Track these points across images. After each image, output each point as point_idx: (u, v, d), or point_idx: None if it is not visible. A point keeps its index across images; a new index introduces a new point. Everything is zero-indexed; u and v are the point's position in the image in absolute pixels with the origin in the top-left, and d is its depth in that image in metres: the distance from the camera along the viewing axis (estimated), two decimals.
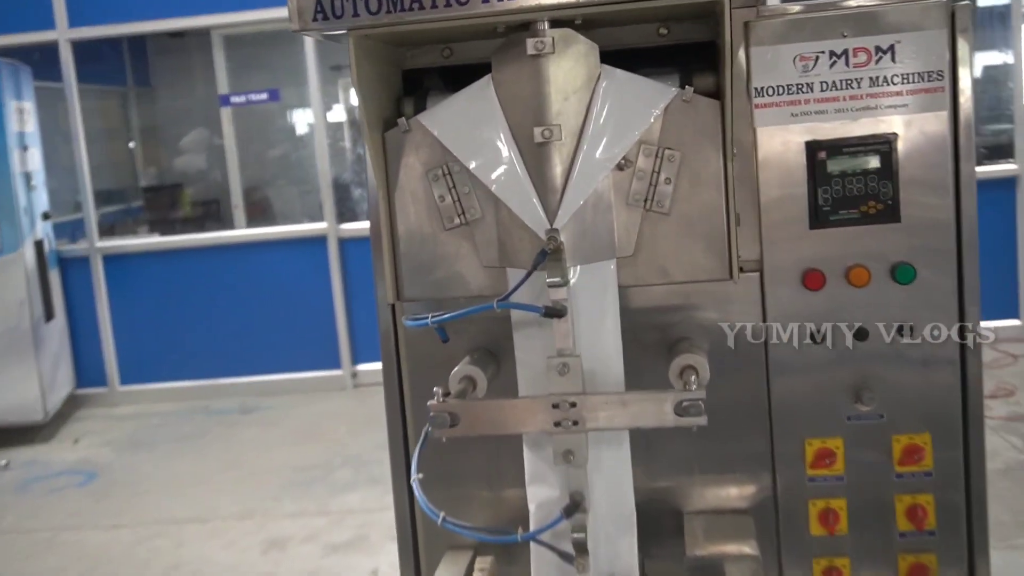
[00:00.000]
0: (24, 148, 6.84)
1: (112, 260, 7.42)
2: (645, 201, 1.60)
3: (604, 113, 1.58)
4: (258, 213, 8.23)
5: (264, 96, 7.61)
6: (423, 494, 1.57)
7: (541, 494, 1.65)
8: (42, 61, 7.47)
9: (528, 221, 1.59)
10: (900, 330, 1.74)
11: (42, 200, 7.17)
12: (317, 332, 7.21)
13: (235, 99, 7.63)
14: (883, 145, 1.72)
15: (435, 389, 1.54)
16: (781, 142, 1.74)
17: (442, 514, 1.57)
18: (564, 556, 1.60)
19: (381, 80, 1.69)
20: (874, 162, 1.72)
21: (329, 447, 6.03)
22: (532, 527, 1.66)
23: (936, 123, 1.71)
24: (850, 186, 1.73)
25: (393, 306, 1.85)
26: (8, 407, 6.69)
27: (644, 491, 1.81)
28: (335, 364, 7.16)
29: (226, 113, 7.85)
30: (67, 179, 7.77)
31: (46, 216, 7.19)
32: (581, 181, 1.58)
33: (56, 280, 7.31)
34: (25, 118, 6.95)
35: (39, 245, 6.98)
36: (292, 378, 7.11)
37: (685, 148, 1.59)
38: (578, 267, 1.60)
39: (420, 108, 1.71)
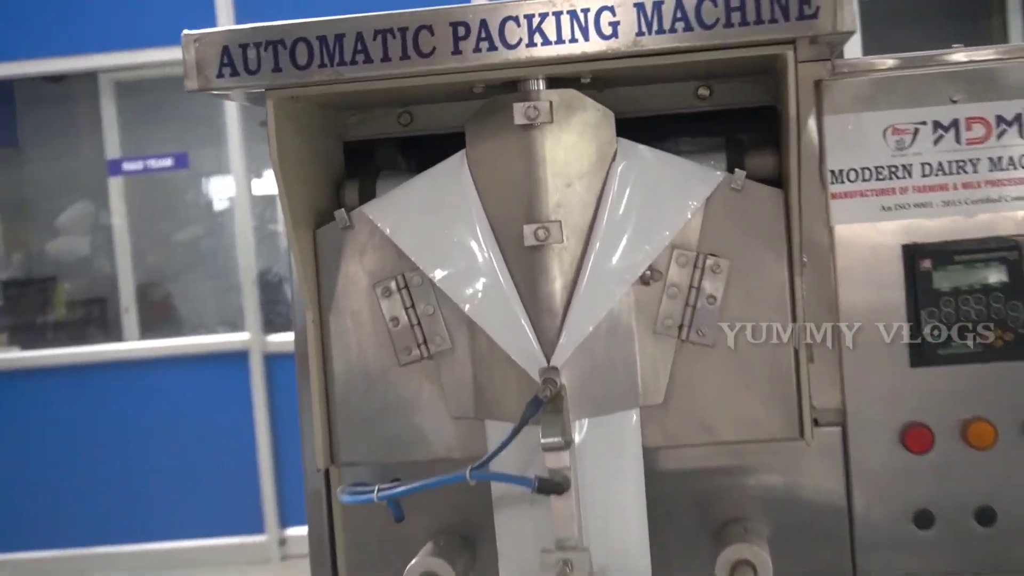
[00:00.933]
0: None
1: None
2: (680, 328, 1.54)
3: (622, 206, 1.53)
4: (158, 319, 8.01)
5: (168, 162, 7.36)
6: None
7: None
8: None
9: (516, 356, 1.52)
10: None
11: None
12: (234, 484, 6.99)
13: (128, 165, 7.42)
14: (1011, 251, 1.66)
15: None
16: (869, 246, 1.69)
17: None
18: None
19: (314, 156, 1.65)
20: (999, 274, 1.66)
21: None
22: None
23: None
24: (966, 308, 1.66)
25: (327, 470, 1.78)
26: None
27: None
28: (258, 528, 6.92)
29: (116, 184, 7.70)
30: None
31: None
32: (590, 300, 1.52)
33: None
34: None
35: None
36: (201, 545, 6.83)
37: (735, 254, 1.54)
38: (586, 421, 1.54)
39: (368, 196, 1.67)
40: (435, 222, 1.57)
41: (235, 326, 7.10)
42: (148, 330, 7.62)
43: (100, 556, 6.90)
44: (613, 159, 1.55)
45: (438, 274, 1.55)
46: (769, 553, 1.63)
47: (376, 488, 1.51)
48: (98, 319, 8.09)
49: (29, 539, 7.04)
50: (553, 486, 1.46)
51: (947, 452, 1.68)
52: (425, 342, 1.58)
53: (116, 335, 7.54)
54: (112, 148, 7.45)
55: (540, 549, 1.48)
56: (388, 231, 1.57)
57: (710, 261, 1.53)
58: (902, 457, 1.69)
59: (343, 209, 1.60)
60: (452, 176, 1.57)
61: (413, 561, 1.60)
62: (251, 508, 6.87)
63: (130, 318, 7.50)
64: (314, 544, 1.84)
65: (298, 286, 1.63)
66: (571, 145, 1.54)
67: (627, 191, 1.54)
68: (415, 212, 1.59)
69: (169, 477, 6.82)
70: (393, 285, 1.58)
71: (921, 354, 1.67)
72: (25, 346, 7.48)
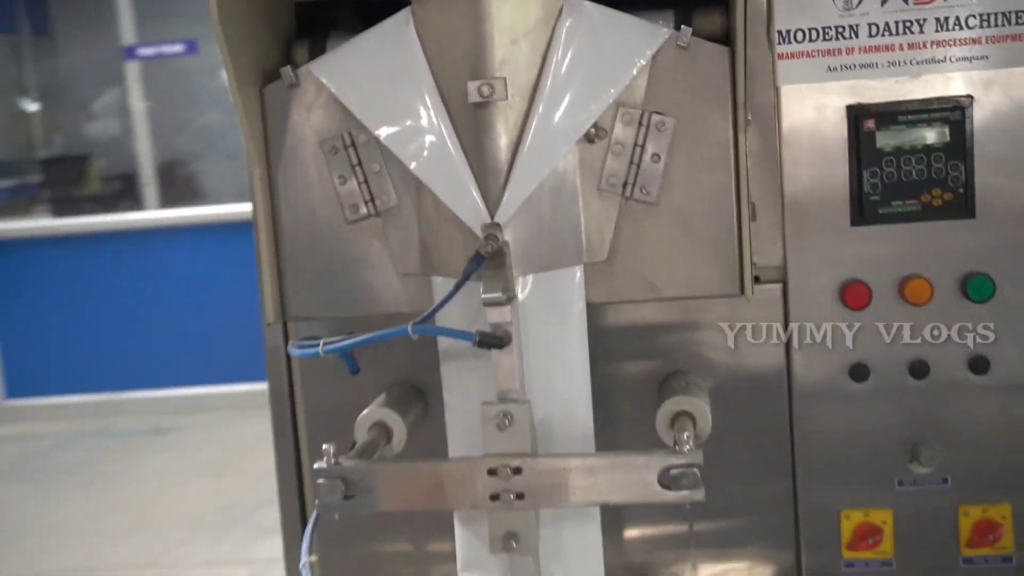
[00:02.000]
0: None
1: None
2: (624, 186, 1.37)
3: (567, 62, 1.34)
4: (180, 193, 7.97)
5: (179, 48, 7.31)
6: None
7: None
8: None
9: (461, 213, 1.35)
10: (973, 365, 1.51)
11: None
12: (245, 337, 6.90)
13: (142, 51, 7.39)
14: (953, 112, 1.47)
15: (324, 447, 1.30)
16: (814, 106, 1.50)
17: None
18: None
19: (260, 16, 1.43)
20: (941, 135, 1.48)
21: (254, 480, 5.76)
22: None
23: None
24: (908, 168, 1.49)
25: (284, 324, 1.61)
26: None
27: (638, 568, 1.65)
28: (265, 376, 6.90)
29: (135, 71, 7.60)
30: None
31: None
32: (534, 157, 1.34)
33: None
34: None
35: None
36: (213, 392, 6.82)
37: (680, 113, 1.36)
38: (530, 277, 1.38)
39: (318, 55, 1.46)
40: (381, 80, 1.37)
41: (245, 197, 6.98)
42: (171, 203, 7.52)
43: (122, 402, 6.93)
44: (559, 16, 1.34)
45: (384, 132, 1.35)
46: (709, 405, 1.49)
47: (322, 342, 1.35)
48: (127, 192, 7.97)
49: (60, 383, 7.12)
50: (494, 340, 1.29)
51: (884, 308, 1.51)
52: (372, 200, 1.40)
53: (140, 206, 7.45)
54: (128, 36, 7.25)
55: (482, 402, 1.33)
56: (334, 89, 1.37)
57: (655, 119, 1.34)
58: (841, 313, 1.52)
59: (288, 67, 1.39)
60: (398, 33, 1.36)
61: (365, 411, 1.45)
62: (260, 359, 6.84)
63: (150, 191, 7.40)
64: (274, 397, 1.70)
65: (247, 144, 1.43)
66: (516, 2, 1.33)
67: (572, 48, 1.34)
68: (361, 69, 1.38)
69: (186, 331, 6.81)
70: (339, 143, 1.38)
71: (862, 213, 1.50)
72: (64, 214, 7.43)
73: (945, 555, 1.55)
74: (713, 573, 1.62)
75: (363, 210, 1.40)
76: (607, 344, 1.56)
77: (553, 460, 1.33)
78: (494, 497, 1.30)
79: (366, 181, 1.39)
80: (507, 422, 1.30)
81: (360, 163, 1.38)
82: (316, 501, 1.35)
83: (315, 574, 1.39)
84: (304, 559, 1.40)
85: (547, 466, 1.31)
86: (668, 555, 1.64)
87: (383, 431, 1.45)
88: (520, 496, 1.29)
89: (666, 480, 1.25)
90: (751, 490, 1.59)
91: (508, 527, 1.33)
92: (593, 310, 1.44)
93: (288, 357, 1.65)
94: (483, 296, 1.26)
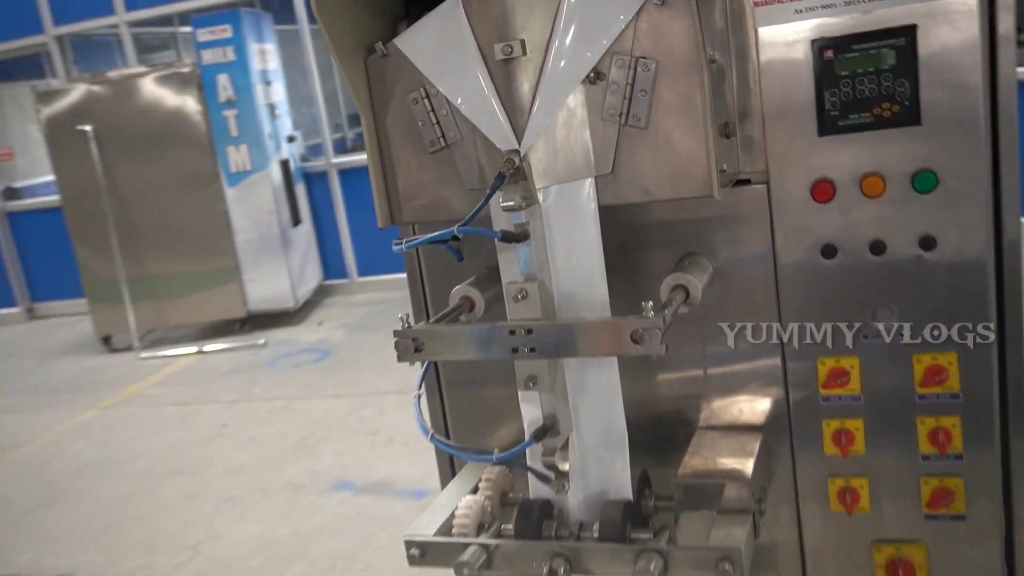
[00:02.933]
0: (267, 83, 8.01)
1: (346, 174, 8.67)
2: (621, 116, 1.48)
3: (570, 23, 1.48)
4: None
5: None
6: (419, 409, 1.60)
7: (530, 414, 1.62)
8: (281, 7, 8.87)
9: (497, 141, 1.52)
10: (922, 242, 1.57)
11: (286, 126, 8.37)
12: None
13: None
14: (899, 39, 1.50)
15: (400, 315, 1.57)
16: (785, 43, 1.56)
17: (431, 432, 1.63)
18: (540, 477, 1.63)
19: (362, 5, 1.63)
20: (889, 59, 1.52)
21: None
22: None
23: (965, 7, 1.49)
24: (862, 87, 1.54)
25: (413, 227, 1.84)
26: (265, 297, 8.00)
27: (661, 403, 1.81)
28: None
29: None
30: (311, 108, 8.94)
31: (291, 139, 8.39)
32: (548, 97, 1.49)
33: (303, 192, 8.59)
34: (267, 57, 8.10)
35: (284, 164, 8.16)
36: None
37: (661, 56, 1.45)
38: (553, 188, 1.53)
39: None
40: (440, 46, 1.55)
41: None
42: None
43: None
44: None
45: (444, 85, 1.55)
46: (706, 279, 1.65)
47: (399, 241, 1.58)
48: None
49: (395, 265, 8.76)
50: (513, 236, 1.49)
51: (847, 201, 1.59)
52: (443, 136, 1.59)
53: None
54: None
55: (506, 283, 1.52)
56: (410, 56, 1.57)
57: (641, 63, 1.45)
58: (812, 206, 1.61)
59: (380, 42, 1.60)
60: (451, 10, 1.54)
61: (456, 287, 1.69)
62: None
63: None
64: (411, 280, 1.98)
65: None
66: None
67: (574, 12, 1.48)
68: (428, 40, 1.57)
69: None
70: (418, 95, 1.58)
71: (825, 125, 1.57)
72: None
73: (903, 392, 1.63)
74: (722, 405, 1.75)
75: (438, 143, 1.60)
76: (640, 236, 1.73)
77: (557, 323, 1.49)
78: (514, 350, 1.47)
79: (438, 122, 1.58)
80: (522, 296, 1.48)
81: (433, 109, 1.57)
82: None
83: (421, 403, 1.63)
84: (416, 392, 1.69)
85: (552, 327, 1.46)
86: (692, 389, 1.79)
87: (468, 302, 1.68)
88: (533, 350, 1.45)
89: (636, 337, 1.40)
90: (749, 343, 1.71)
91: (528, 372, 1.52)
92: (629, 208, 1.60)
93: (418, 253, 1.93)
94: (502, 204, 1.47)
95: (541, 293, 1.50)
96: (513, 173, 1.48)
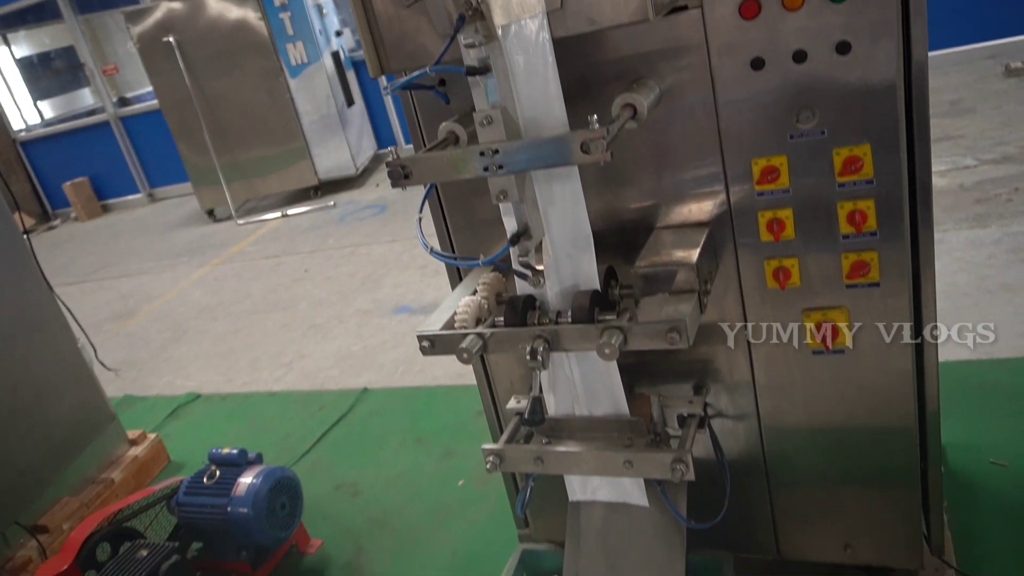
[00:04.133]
0: None
1: None
2: None
3: None
4: None
5: None
6: (420, 229, 1.56)
7: (510, 225, 1.55)
8: None
9: None
10: (838, 47, 1.42)
11: (333, 23, 8.03)
12: None
13: None
14: None
15: (389, 148, 1.49)
16: None
17: (431, 246, 1.59)
18: (520, 275, 1.58)
19: None
20: None
21: None
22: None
23: None
24: None
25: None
26: (331, 167, 7.92)
27: (625, 212, 1.71)
28: None
29: None
30: None
31: (338, 33, 8.06)
32: None
33: (353, 77, 8.34)
34: None
35: (335, 55, 7.91)
36: None
37: None
38: (512, 25, 1.39)
39: None
40: None
41: None
42: None
43: None
44: None
45: None
46: (652, 99, 1.53)
47: (390, 86, 1.48)
48: None
49: None
50: (474, 70, 1.38)
51: (771, 16, 1.44)
52: None
53: None
54: None
55: (474, 113, 1.40)
56: None
57: None
58: (741, 24, 1.46)
59: None
60: None
61: (444, 123, 1.60)
62: None
63: None
64: (409, 122, 1.85)
65: None
66: None
67: None
68: None
69: None
70: None
71: None
72: None
73: (824, 183, 1.52)
74: (675, 208, 1.66)
75: None
76: (596, 71, 1.59)
77: (517, 142, 1.38)
78: (485, 169, 1.39)
79: None
80: (487, 121, 1.38)
81: None
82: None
83: (421, 226, 1.58)
84: (418, 215, 1.63)
85: (513, 146, 1.37)
86: (649, 197, 1.68)
87: (453, 135, 1.61)
88: (500, 167, 1.38)
89: (585, 148, 1.30)
90: (694, 156, 1.60)
91: (500, 187, 1.44)
92: (586, 48, 1.50)
93: (412, 98, 1.80)
94: (463, 43, 1.36)
95: (504, 118, 1.40)
96: (472, 14, 1.36)
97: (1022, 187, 4.05)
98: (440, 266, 5.44)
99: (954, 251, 3.60)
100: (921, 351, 1.66)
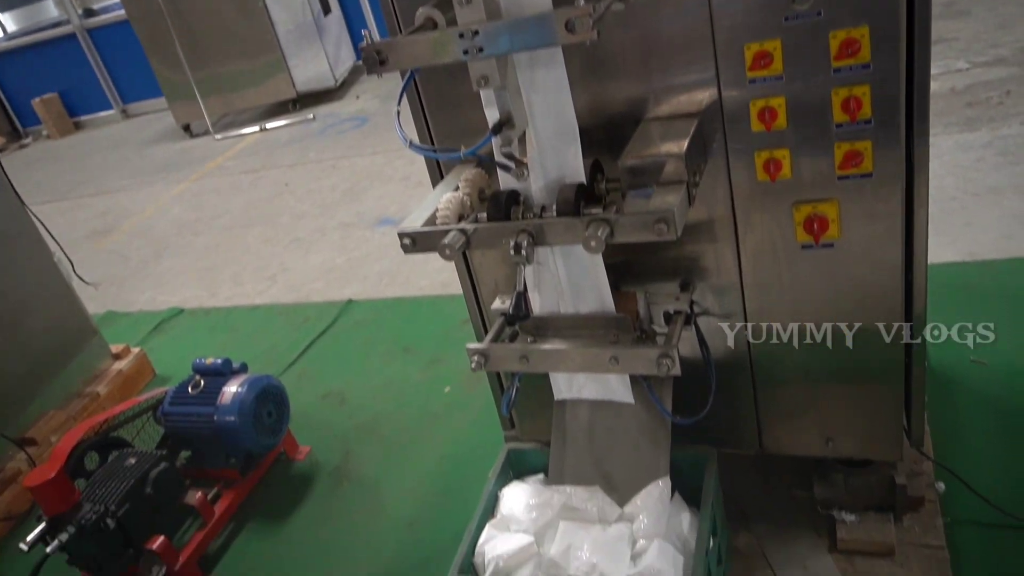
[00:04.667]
0: None
1: None
2: None
3: None
4: None
5: None
6: (399, 122, 1.48)
7: (492, 115, 1.48)
8: None
9: None
10: None
11: None
12: None
13: None
14: None
15: (363, 32, 1.40)
16: None
17: (409, 140, 1.52)
18: (503, 167, 1.52)
19: None
20: None
21: None
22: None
23: None
24: None
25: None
26: (309, 79, 7.67)
27: (612, 104, 1.63)
28: None
29: None
30: None
31: None
32: None
33: None
34: None
35: None
36: None
37: None
38: None
39: None
40: None
41: None
42: None
43: None
44: None
45: None
46: None
47: None
48: None
49: None
50: None
51: None
52: None
53: None
54: None
55: None
56: None
57: None
58: None
59: None
60: None
61: (421, 9, 1.46)
62: None
63: None
64: (385, 12, 1.75)
65: None
66: None
67: None
68: None
69: None
70: None
71: None
72: None
73: (819, 69, 1.45)
74: (664, 99, 1.58)
75: None
76: None
77: (497, 23, 1.29)
78: (465, 52, 1.31)
79: None
80: (465, 1, 1.28)
81: None
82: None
83: (401, 119, 1.49)
84: (396, 107, 1.55)
85: (493, 26, 1.28)
86: (639, 87, 1.59)
87: (431, 21, 1.51)
88: (480, 50, 1.30)
89: (570, 27, 1.23)
90: (683, 41, 1.52)
91: (480, 72, 1.36)
92: None
93: None
94: None
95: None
96: None
97: (1014, 90, 3.98)
98: (424, 177, 5.37)
99: (943, 155, 3.55)
100: (911, 244, 1.63)
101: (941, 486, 1.98)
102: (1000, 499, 1.90)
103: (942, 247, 2.89)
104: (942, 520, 1.87)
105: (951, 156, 3.52)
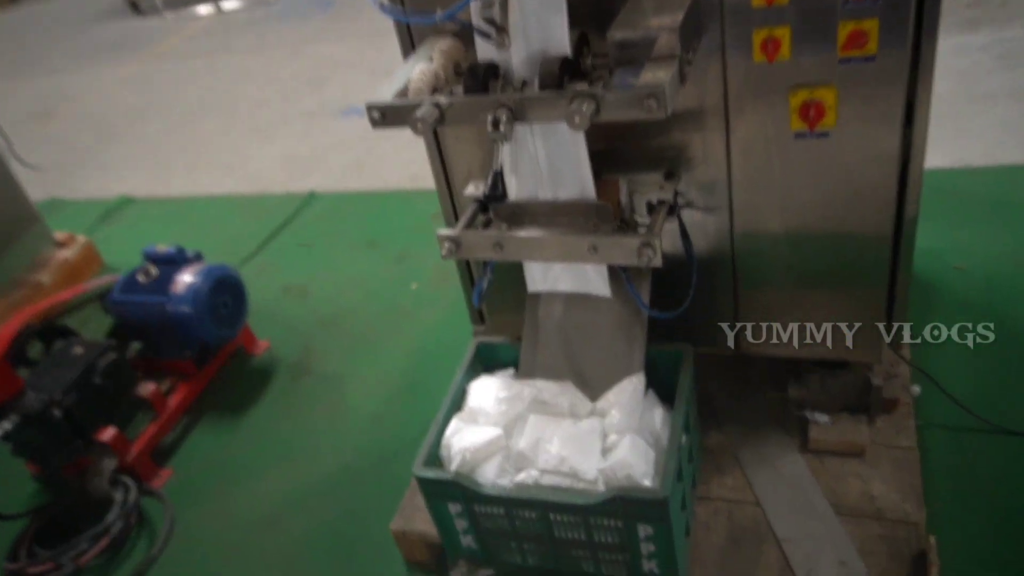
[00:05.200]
0: None
1: None
2: None
3: None
4: None
5: None
6: None
7: None
8: None
9: None
10: None
11: None
12: None
13: None
14: None
15: None
16: None
17: (381, 0, 1.42)
18: (482, 33, 1.43)
19: None
20: None
21: None
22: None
23: None
24: None
25: None
26: None
27: None
28: None
29: None
30: None
31: None
32: None
33: None
34: None
35: None
36: None
37: None
38: None
39: None
40: None
41: None
42: None
43: None
44: None
45: None
46: None
47: None
48: None
49: None
50: None
51: None
52: None
53: None
54: None
55: None
56: None
57: None
58: None
59: None
60: None
61: None
62: None
63: None
64: None
65: None
66: None
67: None
68: None
69: None
70: None
71: None
72: None
73: None
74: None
75: None
76: None
77: None
78: None
79: None
80: None
81: None
82: None
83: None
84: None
85: None
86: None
87: None
88: None
89: None
90: None
91: None
92: None
93: None
94: None
95: None
96: None
97: None
98: (393, 68, 5.21)
99: (940, 58, 3.47)
100: (909, 139, 1.59)
101: (916, 389, 2.01)
102: (973, 403, 1.94)
103: (932, 153, 2.86)
104: (914, 422, 1.91)
105: (949, 59, 3.46)
